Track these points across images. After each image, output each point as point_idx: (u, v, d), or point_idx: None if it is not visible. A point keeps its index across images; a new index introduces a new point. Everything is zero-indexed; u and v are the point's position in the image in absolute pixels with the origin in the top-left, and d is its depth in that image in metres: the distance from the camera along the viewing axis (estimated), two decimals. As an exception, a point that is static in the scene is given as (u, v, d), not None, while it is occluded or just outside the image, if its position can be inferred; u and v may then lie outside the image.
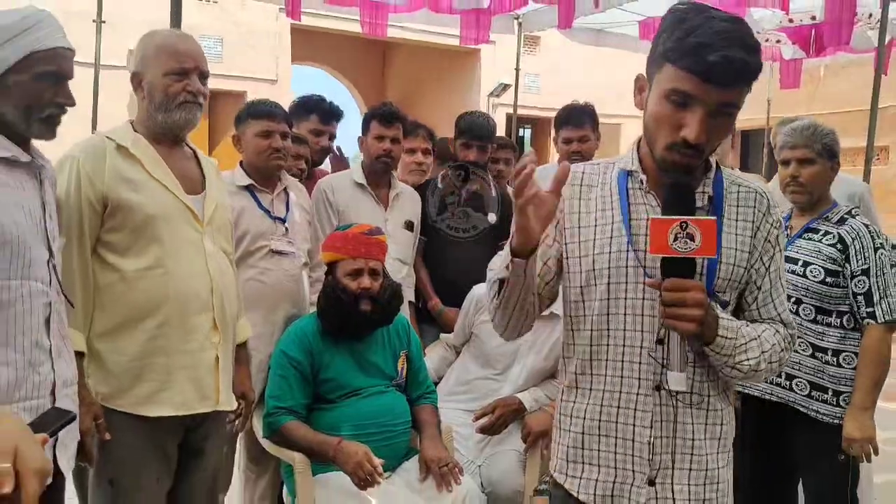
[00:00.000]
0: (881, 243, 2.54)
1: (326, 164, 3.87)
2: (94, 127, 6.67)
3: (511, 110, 7.64)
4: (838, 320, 2.57)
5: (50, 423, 1.20)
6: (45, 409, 1.76)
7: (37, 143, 1.86)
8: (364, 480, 2.39)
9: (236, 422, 2.45)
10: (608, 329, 1.54)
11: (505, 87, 14.17)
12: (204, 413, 2.16)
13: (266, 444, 2.65)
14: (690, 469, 1.54)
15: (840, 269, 2.54)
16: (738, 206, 1.55)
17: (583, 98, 3.81)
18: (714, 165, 1.56)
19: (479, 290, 3.13)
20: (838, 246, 2.55)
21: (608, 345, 1.55)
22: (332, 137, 3.65)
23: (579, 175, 1.61)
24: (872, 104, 6.56)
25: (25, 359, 1.72)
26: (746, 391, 2.70)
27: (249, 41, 12.93)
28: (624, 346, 1.53)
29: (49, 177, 1.88)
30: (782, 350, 1.57)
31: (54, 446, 1.79)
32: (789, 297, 2.58)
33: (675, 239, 1.34)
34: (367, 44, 14.94)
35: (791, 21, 6.67)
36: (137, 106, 2.17)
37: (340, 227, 2.87)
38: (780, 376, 2.62)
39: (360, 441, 2.50)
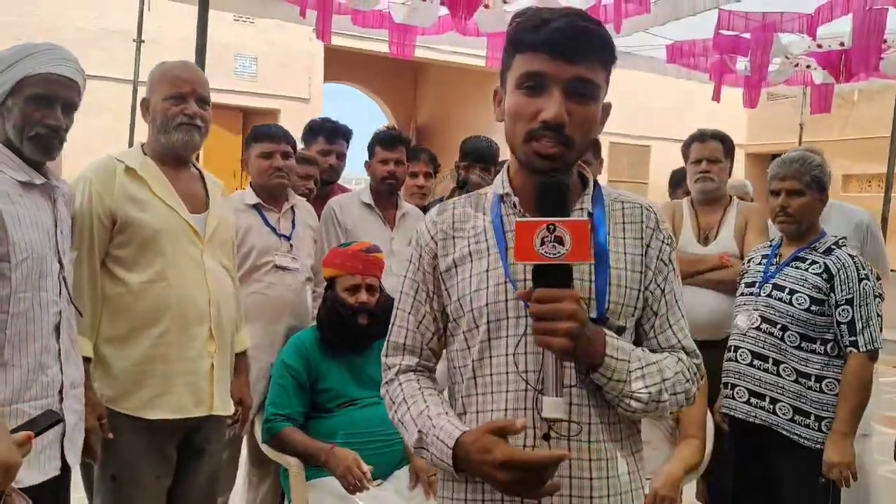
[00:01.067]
0: (866, 274, 2.60)
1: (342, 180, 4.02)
2: (131, 137, 6.92)
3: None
4: (822, 347, 2.62)
5: (39, 423, 1.37)
6: (55, 407, 1.93)
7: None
8: (353, 485, 2.51)
9: (235, 425, 2.60)
10: (490, 375, 1.37)
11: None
12: (203, 416, 2.31)
13: (265, 449, 2.79)
14: None
15: (825, 297, 2.60)
16: (623, 223, 1.42)
17: (610, 120, 3.93)
18: (592, 181, 1.45)
19: None
20: (824, 275, 2.61)
21: (491, 392, 1.37)
22: (340, 156, 3.80)
23: (449, 214, 1.48)
24: (893, 131, 6.56)
25: (35, 361, 1.89)
26: (731, 413, 2.76)
27: (283, 60, 13.19)
28: (506, 391, 1.35)
29: (62, 195, 2.06)
30: (687, 381, 1.40)
31: (62, 443, 1.96)
32: (775, 323, 2.65)
33: (542, 243, 1.20)
34: (398, 63, 15.15)
35: (820, 46, 6.63)
36: (148, 129, 2.35)
37: (341, 244, 3.02)
38: (763, 399, 2.68)
39: (354, 449, 2.62)
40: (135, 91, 6.75)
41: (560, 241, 1.20)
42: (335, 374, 2.78)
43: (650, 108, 14.85)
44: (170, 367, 2.23)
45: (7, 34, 11.55)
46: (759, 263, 2.83)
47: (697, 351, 1.47)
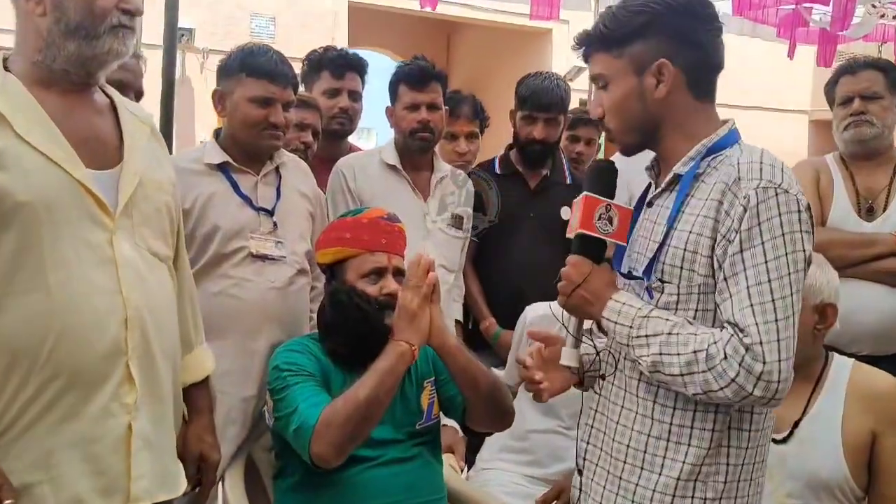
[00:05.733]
0: None
1: (353, 138, 3.04)
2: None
3: (585, 96, 6.96)
4: None
5: None
6: None
7: None
8: None
9: (196, 491, 1.73)
10: None
11: (579, 70, 13.37)
12: None
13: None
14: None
15: None
16: (712, 185, 1.37)
17: None
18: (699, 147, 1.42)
19: (533, 312, 2.36)
20: None
21: None
22: (354, 95, 2.83)
23: None
24: None
25: None
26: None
27: (304, 21, 12.44)
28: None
29: None
30: (720, 362, 1.27)
31: None
32: None
33: (599, 219, 1.43)
34: (430, 25, 14.43)
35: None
36: (20, 30, 1.45)
37: (344, 213, 2.13)
38: None
39: None
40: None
41: (610, 221, 1.44)
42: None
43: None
44: (52, 437, 1.35)
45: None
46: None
47: (755, 331, 1.27)
